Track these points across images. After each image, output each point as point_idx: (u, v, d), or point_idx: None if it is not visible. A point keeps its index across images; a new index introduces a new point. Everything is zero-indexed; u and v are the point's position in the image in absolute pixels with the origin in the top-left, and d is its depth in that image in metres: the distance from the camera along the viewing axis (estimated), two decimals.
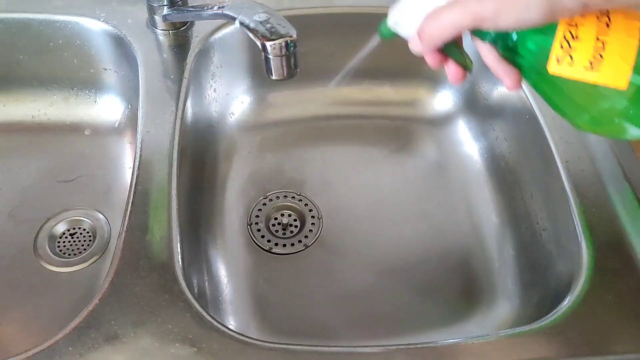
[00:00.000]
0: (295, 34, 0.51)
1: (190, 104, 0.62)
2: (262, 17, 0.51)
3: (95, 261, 0.61)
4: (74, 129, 0.72)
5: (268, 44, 0.50)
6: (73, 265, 0.61)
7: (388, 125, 0.75)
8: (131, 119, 0.71)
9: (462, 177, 0.70)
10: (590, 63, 0.33)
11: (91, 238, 0.63)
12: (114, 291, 0.46)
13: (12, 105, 0.72)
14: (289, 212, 0.67)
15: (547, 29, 0.34)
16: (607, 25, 0.33)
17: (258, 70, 0.72)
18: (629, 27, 0.33)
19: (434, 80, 0.75)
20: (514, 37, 0.36)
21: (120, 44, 0.66)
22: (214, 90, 0.70)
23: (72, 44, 0.68)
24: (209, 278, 0.60)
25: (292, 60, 0.52)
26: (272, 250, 0.63)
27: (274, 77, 0.53)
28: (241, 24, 0.52)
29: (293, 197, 0.68)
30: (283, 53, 0.51)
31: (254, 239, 0.64)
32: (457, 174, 0.70)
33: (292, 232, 0.65)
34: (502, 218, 0.65)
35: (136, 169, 0.54)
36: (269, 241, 0.64)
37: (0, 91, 0.71)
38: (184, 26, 0.66)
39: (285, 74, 0.53)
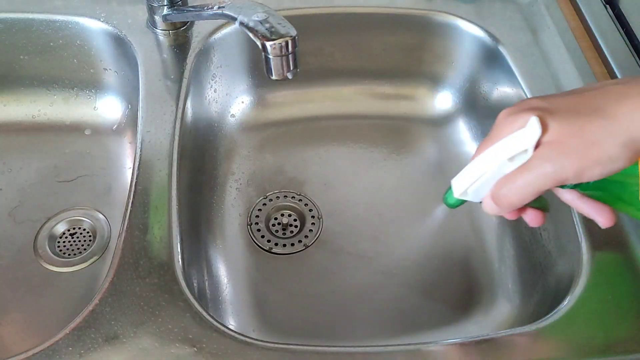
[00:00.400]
0: (295, 33, 0.51)
1: (190, 104, 0.62)
2: (262, 16, 0.51)
3: (95, 261, 0.61)
4: (74, 129, 0.72)
5: (268, 44, 0.50)
6: (73, 265, 0.61)
7: (388, 125, 0.75)
8: (131, 119, 0.71)
9: None
10: None
11: (91, 238, 0.63)
12: (114, 291, 0.46)
13: (12, 105, 0.72)
14: (289, 212, 0.67)
15: None
16: None
17: (258, 70, 0.72)
18: None
19: (433, 80, 0.75)
20: None
21: (120, 44, 0.66)
22: (214, 91, 0.70)
23: (72, 44, 0.68)
24: (209, 278, 0.60)
25: (292, 60, 0.52)
26: (272, 250, 0.63)
27: (274, 77, 0.53)
28: (241, 23, 0.52)
29: (293, 197, 0.68)
30: (283, 53, 0.51)
31: (254, 239, 0.64)
32: (457, 174, 0.70)
33: (292, 232, 0.65)
34: (502, 218, 0.65)
35: (136, 169, 0.54)
36: (269, 241, 0.64)
37: (0, 91, 0.71)
38: (184, 26, 0.66)
39: (285, 74, 0.53)
